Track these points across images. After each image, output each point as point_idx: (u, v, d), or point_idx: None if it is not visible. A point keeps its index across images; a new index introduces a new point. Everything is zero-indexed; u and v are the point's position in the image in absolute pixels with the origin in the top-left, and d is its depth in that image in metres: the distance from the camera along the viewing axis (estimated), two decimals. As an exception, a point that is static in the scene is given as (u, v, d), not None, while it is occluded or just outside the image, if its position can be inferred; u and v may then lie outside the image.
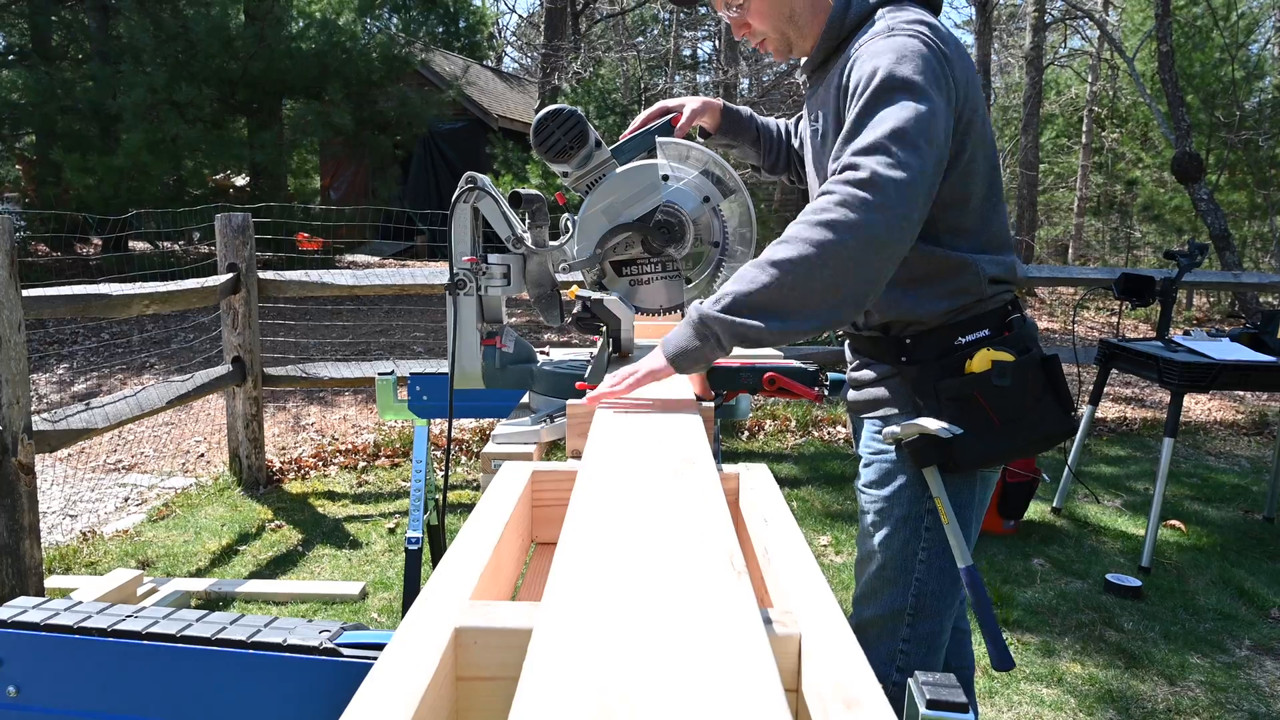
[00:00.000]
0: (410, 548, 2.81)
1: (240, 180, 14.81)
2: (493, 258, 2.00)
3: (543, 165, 10.04)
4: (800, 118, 2.08)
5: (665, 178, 1.93)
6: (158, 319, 7.94)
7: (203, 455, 5.02)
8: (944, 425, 1.51)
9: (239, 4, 11.05)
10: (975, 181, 1.54)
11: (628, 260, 2.00)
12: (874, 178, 1.30)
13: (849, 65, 1.49)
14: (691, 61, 23.84)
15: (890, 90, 1.38)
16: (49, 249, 12.50)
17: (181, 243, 11.55)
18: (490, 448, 1.67)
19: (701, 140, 2.19)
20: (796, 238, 1.32)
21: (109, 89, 9.86)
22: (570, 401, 1.62)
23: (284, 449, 5.02)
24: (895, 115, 1.34)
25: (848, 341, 1.81)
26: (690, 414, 1.29)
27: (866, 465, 1.70)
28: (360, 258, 13.47)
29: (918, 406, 1.59)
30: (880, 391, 1.67)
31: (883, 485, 1.66)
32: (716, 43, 19.77)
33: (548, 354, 2.23)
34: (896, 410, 1.63)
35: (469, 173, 1.97)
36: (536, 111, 1.97)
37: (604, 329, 1.74)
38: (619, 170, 1.95)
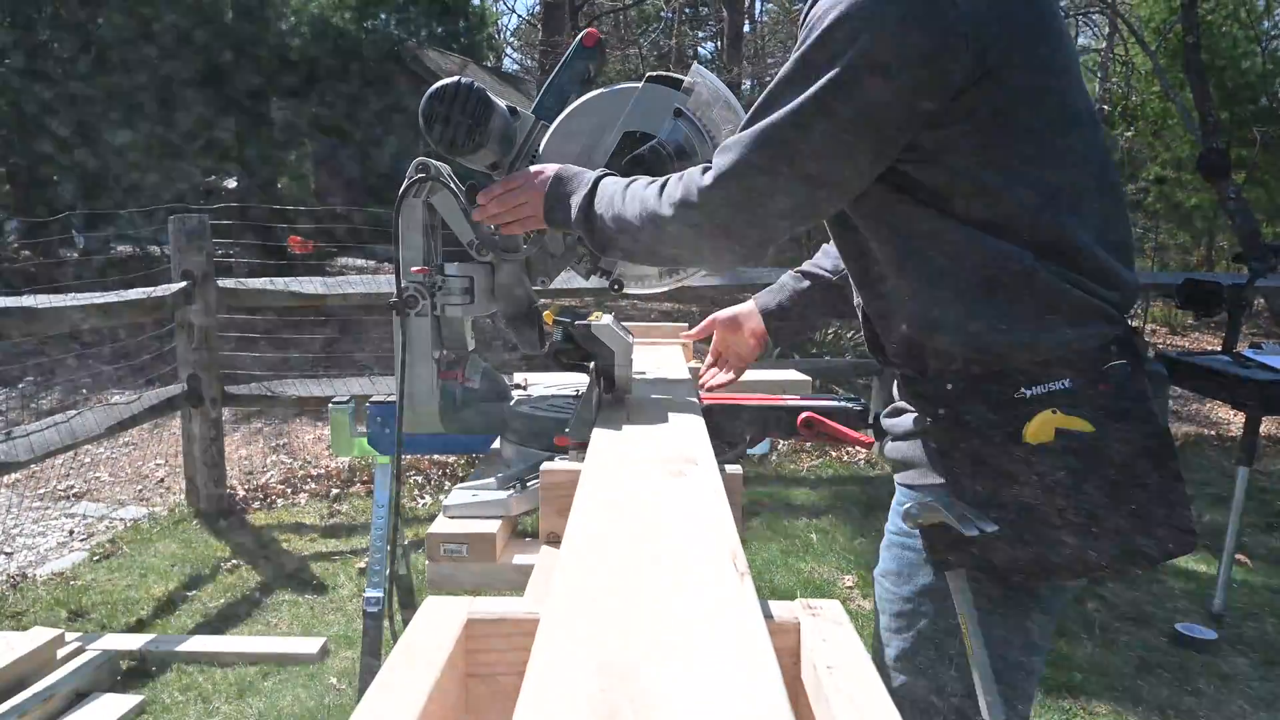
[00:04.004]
0: (369, 610, 2.36)
1: (231, 183, 14.40)
2: (451, 268, 1.56)
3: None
4: None
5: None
6: (131, 328, 7.50)
7: (162, 481, 4.58)
8: (965, 513, 1.03)
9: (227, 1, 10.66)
10: (1013, 143, 1.04)
11: None
12: (713, 183, 1.11)
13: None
14: (694, 61, 23.43)
15: (810, 63, 1.02)
16: (31, 254, 12.10)
17: (166, 246, 11.16)
18: (439, 525, 1.25)
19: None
20: (649, 203, 1.18)
21: (92, 85, 9.44)
22: (545, 466, 1.19)
23: (250, 474, 4.58)
24: (792, 99, 1.03)
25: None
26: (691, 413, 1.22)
27: (886, 547, 1.25)
28: (353, 261, 13.04)
29: (949, 481, 1.10)
30: (908, 451, 1.19)
31: (901, 580, 1.21)
32: (719, 42, 19.39)
33: (525, 386, 1.79)
34: (923, 480, 1.16)
35: (420, 158, 1.53)
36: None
37: (593, 365, 1.31)
38: (552, 128, 1.50)
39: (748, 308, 1.62)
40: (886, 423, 1.25)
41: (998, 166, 1.04)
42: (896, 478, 1.24)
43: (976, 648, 1.09)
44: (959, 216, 1.05)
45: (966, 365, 1.08)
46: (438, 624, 0.70)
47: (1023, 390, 1.04)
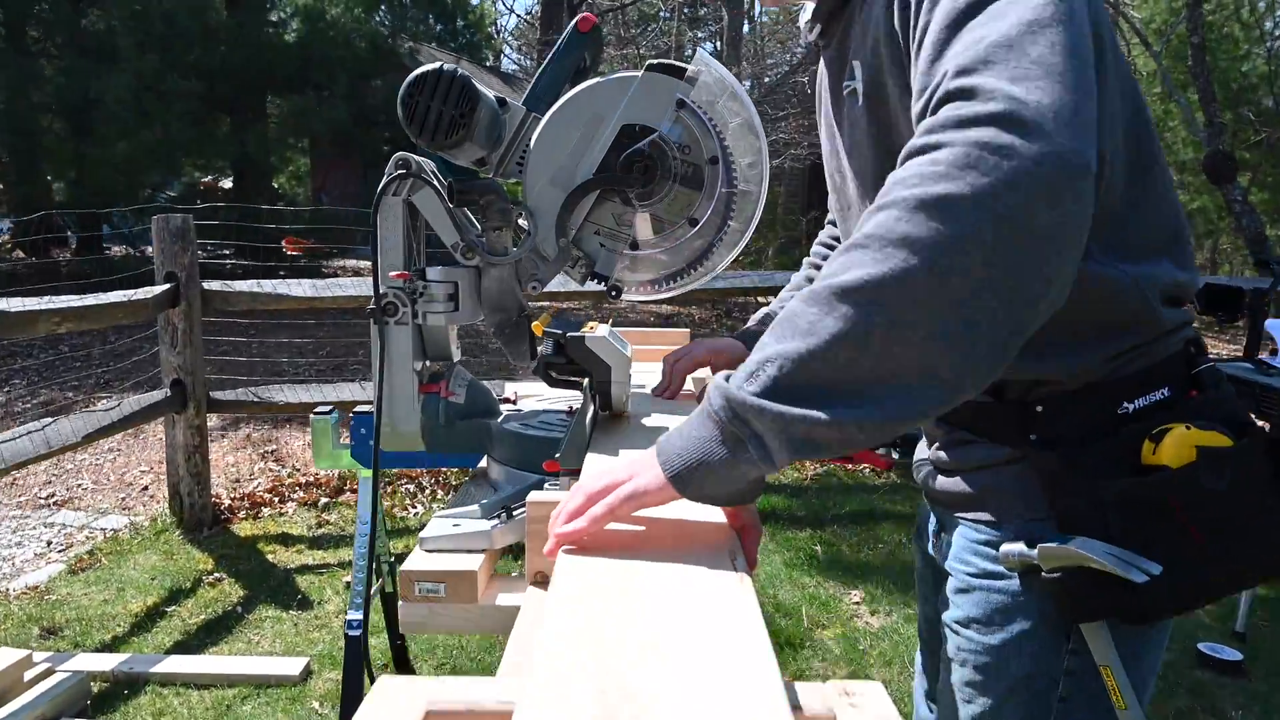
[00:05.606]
0: (350, 633, 2.23)
1: (227, 183, 14.27)
2: (434, 272, 1.43)
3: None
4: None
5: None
6: (123, 330, 7.36)
7: (146, 489, 4.44)
8: (1125, 558, 0.87)
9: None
10: (1114, 140, 0.89)
11: (606, 232, 1.42)
12: (1016, 104, 0.69)
13: None
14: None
15: None
16: (24, 254, 11.96)
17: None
18: (414, 560, 1.12)
19: None
20: (886, 238, 0.70)
21: (84, 82, 9.31)
22: (533, 497, 1.06)
23: (237, 481, 4.44)
24: (1015, 7, 0.75)
25: None
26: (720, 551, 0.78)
27: (962, 591, 1.04)
28: (349, 263, 12.92)
29: (1061, 515, 0.94)
30: (989, 483, 1.01)
31: (991, 628, 1.00)
32: (718, 43, 19.28)
33: (515, 400, 1.66)
34: (1003, 517, 1.00)
35: (400, 154, 1.40)
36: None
37: (586, 380, 1.18)
38: (544, 121, 1.38)
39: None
40: (944, 455, 1.07)
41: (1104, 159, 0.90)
42: (961, 516, 1.06)
43: (1128, 698, 0.96)
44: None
45: (1056, 385, 0.95)
46: (391, 716, 0.57)
47: (1125, 405, 0.94)
